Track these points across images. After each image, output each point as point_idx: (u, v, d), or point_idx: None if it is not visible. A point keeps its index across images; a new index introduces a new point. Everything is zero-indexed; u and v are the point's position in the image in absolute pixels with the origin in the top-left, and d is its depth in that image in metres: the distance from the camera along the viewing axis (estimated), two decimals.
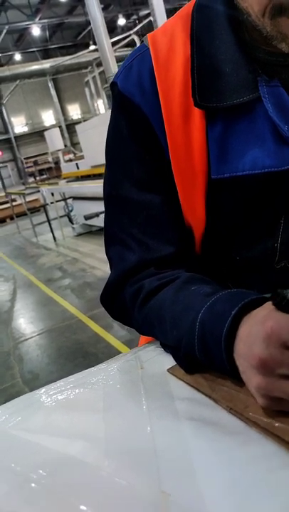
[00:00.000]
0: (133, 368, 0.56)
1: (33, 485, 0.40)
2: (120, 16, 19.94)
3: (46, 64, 19.88)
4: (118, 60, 5.91)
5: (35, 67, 19.91)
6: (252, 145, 0.54)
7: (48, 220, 6.97)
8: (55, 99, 25.03)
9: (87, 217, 5.32)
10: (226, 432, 0.41)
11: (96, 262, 5.13)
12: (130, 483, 0.37)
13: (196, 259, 0.64)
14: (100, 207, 5.27)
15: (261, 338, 0.39)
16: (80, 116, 26.80)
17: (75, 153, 10.76)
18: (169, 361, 0.55)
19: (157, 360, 0.57)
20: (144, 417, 0.46)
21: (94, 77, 13.02)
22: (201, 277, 0.57)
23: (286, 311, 0.39)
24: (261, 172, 0.54)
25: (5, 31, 18.11)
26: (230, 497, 0.34)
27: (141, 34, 10.98)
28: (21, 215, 9.89)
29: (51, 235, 6.99)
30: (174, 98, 0.56)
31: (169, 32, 0.59)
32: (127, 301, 0.61)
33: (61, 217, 7.17)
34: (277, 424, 0.39)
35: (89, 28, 18.86)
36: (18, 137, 26.88)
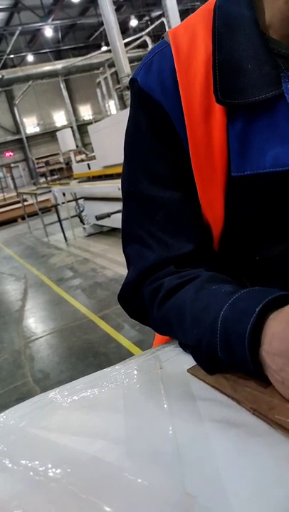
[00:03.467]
0: (152, 368, 0.56)
1: (53, 484, 0.40)
2: (132, 17, 19.99)
3: (58, 65, 20.00)
4: (131, 60, 5.92)
5: (47, 68, 20.04)
6: (273, 142, 0.54)
7: (59, 220, 7.00)
8: (67, 100, 25.15)
9: (98, 218, 5.33)
10: (250, 434, 0.40)
11: (107, 262, 5.13)
12: (154, 484, 0.37)
13: (215, 259, 0.63)
14: (111, 207, 5.28)
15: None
16: (91, 117, 26.90)
17: (86, 154, 10.78)
18: (188, 361, 0.54)
19: (176, 360, 0.56)
20: (166, 417, 0.45)
21: (105, 78, 13.04)
22: (222, 276, 0.57)
23: None
24: (282, 170, 0.53)
25: (18, 32, 18.25)
26: (257, 501, 0.33)
27: (153, 35, 10.98)
28: (33, 215, 9.94)
29: (62, 235, 7.02)
30: (195, 94, 0.55)
31: (190, 28, 0.58)
32: (146, 300, 0.60)
33: (72, 217, 7.19)
34: None
35: (101, 29, 18.94)
36: (29, 137, 27.07)
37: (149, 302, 0.59)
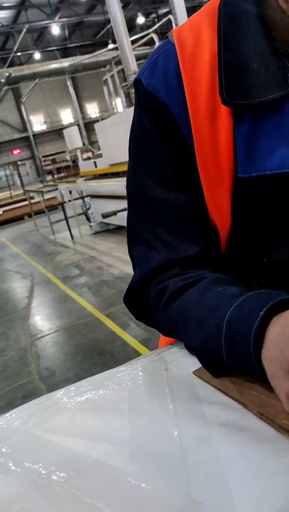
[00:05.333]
0: (157, 370, 0.55)
1: (56, 488, 0.39)
2: (139, 14, 19.95)
3: (65, 63, 19.99)
4: (137, 58, 5.91)
5: (54, 65, 20.03)
6: (280, 143, 0.53)
7: (66, 218, 7.01)
8: (74, 98, 25.15)
9: (104, 216, 5.33)
10: (257, 439, 0.39)
11: (113, 260, 5.13)
12: (158, 489, 0.36)
13: (222, 262, 0.62)
14: (117, 205, 5.28)
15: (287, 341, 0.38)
16: (98, 115, 26.89)
17: (93, 152, 10.78)
18: (194, 363, 0.53)
19: (182, 361, 0.55)
20: (171, 420, 0.44)
21: (112, 76, 13.02)
22: (228, 278, 0.56)
23: None
24: None
25: (25, 30, 18.26)
26: (263, 508, 0.32)
27: (160, 33, 10.95)
28: (39, 212, 9.96)
29: (68, 232, 7.03)
30: (201, 95, 0.54)
31: (195, 27, 0.57)
32: (151, 302, 0.60)
33: (78, 215, 7.20)
34: None
35: (108, 27, 18.92)
36: (36, 135, 27.11)
37: (154, 304, 0.59)
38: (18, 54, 21.65)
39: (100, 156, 7.50)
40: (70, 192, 7.24)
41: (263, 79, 0.51)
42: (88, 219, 7.14)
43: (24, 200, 11.67)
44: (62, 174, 22.53)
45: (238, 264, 0.62)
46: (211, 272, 0.58)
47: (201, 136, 0.55)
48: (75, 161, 19.21)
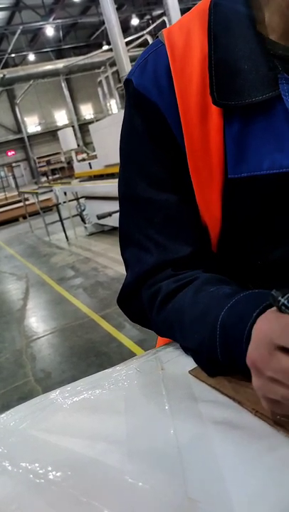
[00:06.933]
0: (153, 369, 0.55)
1: (53, 487, 0.40)
2: (134, 16, 19.97)
3: (60, 64, 19.96)
4: (132, 59, 5.91)
5: (48, 67, 20.00)
6: (270, 144, 0.53)
7: (61, 220, 6.99)
8: (68, 99, 25.09)
9: (99, 217, 5.32)
10: (252, 436, 0.39)
11: (108, 261, 5.13)
12: (155, 488, 0.36)
13: (216, 264, 0.62)
14: (112, 206, 5.28)
15: (253, 339, 0.39)
16: (92, 116, 26.89)
17: (88, 153, 10.78)
18: (190, 362, 0.54)
19: (178, 361, 0.56)
20: (167, 419, 0.44)
21: (107, 77, 13.03)
22: (221, 277, 0.56)
23: (285, 311, 0.38)
24: (279, 172, 0.52)
25: (19, 31, 18.23)
26: (259, 505, 0.32)
27: (154, 34, 10.96)
28: (34, 214, 9.94)
29: (64, 234, 7.01)
30: (191, 96, 0.54)
31: (185, 28, 0.57)
32: (145, 304, 0.60)
33: (74, 216, 7.19)
34: None
35: (102, 28, 18.93)
36: (31, 137, 27.05)
37: (148, 306, 0.59)
38: (13, 55, 21.62)
39: (95, 157, 7.50)
40: (65, 193, 7.22)
41: (253, 80, 0.51)
42: (83, 220, 7.13)
43: (19, 201, 11.63)
44: (57, 175, 22.49)
45: (232, 268, 0.63)
46: (203, 271, 0.58)
47: (191, 136, 0.55)
48: (69, 162, 19.19)
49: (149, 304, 0.59)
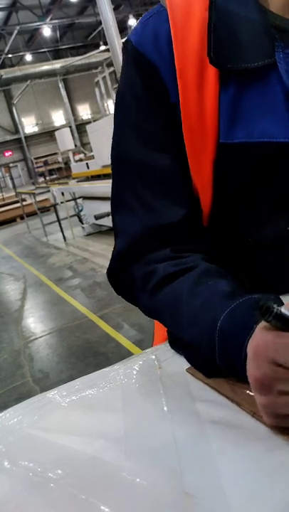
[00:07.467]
0: (151, 368, 0.55)
1: (52, 485, 0.40)
2: (131, 16, 19.98)
3: (57, 64, 19.97)
4: None
5: (45, 67, 20.01)
6: (263, 113, 0.53)
7: (58, 220, 6.99)
8: (66, 100, 25.11)
9: (97, 217, 5.33)
10: (250, 437, 0.39)
11: (106, 261, 5.10)
12: (152, 484, 0.37)
13: (208, 243, 0.61)
14: (110, 207, 5.28)
15: (251, 357, 0.39)
16: (89, 117, 26.87)
17: (85, 154, 10.77)
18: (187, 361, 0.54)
19: (176, 359, 0.56)
20: (165, 417, 0.45)
21: (104, 78, 13.03)
22: (218, 269, 0.54)
23: (275, 325, 0.36)
24: (269, 141, 0.53)
25: (16, 32, 18.22)
26: (256, 501, 0.33)
27: None
28: (31, 214, 9.92)
29: (61, 234, 7.01)
30: (190, 57, 0.54)
31: None
32: (137, 281, 0.58)
33: (71, 216, 7.18)
34: None
35: (99, 29, 18.92)
36: (28, 137, 27.03)
37: (141, 285, 0.57)
38: (10, 56, 21.59)
39: (92, 157, 7.50)
40: (63, 194, 7.22)
41: (250, 47, 0.52)
42: (81, 220, 7.13)
43: (16, 202, 11.61)
44: (55, 176, 22.47)
45: (226, 245, 0.62)
46: (202, 258, 0.56)
47: (188, 97, 0.55)
48: (67, 162, 19.19)
49: (142, 283, 0.57)
